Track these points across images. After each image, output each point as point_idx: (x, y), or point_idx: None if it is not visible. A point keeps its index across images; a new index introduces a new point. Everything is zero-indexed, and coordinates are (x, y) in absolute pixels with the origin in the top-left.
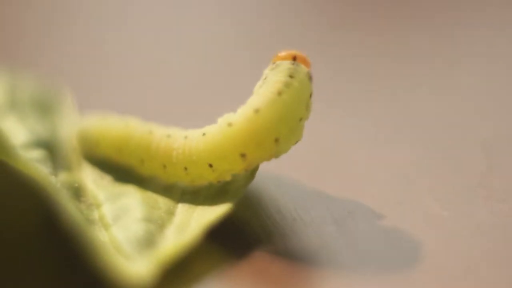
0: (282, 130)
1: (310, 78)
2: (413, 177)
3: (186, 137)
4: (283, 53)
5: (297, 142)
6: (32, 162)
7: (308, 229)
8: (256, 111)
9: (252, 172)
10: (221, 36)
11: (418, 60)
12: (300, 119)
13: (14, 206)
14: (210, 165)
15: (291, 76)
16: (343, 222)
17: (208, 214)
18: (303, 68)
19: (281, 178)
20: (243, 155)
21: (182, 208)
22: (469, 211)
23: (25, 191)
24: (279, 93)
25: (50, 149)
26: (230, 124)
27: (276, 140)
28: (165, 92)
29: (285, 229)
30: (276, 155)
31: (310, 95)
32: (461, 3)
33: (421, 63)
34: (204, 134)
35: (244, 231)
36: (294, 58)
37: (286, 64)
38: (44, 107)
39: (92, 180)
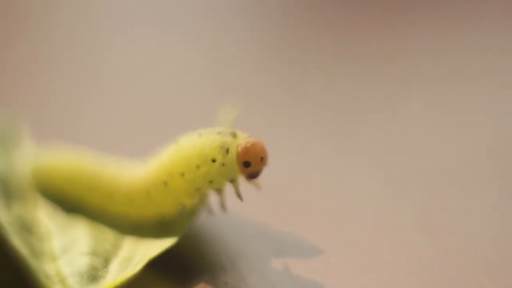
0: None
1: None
2: (352, 210)
3: (133, 168)
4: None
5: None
6: None
7: (249, 262)
8: (176, 142)
9: (196, 207)
10: (183, 67)
11: (366, 89)
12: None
13: None
14: (148, 192)
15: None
16: (284, 255)
17: (153, 249)
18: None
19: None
20: (165, 183)
21: (128, 241)
22: (409, 243)
23: None
24: (200, 135)
25: (5, 182)
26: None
27: (182, 175)
28: (124, 123)
29: (226, 262)
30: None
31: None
32: (448, 46)
33: (367, 94)
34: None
35: (186, 263)
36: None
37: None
38: (1, 140)
39: (46, 213)
